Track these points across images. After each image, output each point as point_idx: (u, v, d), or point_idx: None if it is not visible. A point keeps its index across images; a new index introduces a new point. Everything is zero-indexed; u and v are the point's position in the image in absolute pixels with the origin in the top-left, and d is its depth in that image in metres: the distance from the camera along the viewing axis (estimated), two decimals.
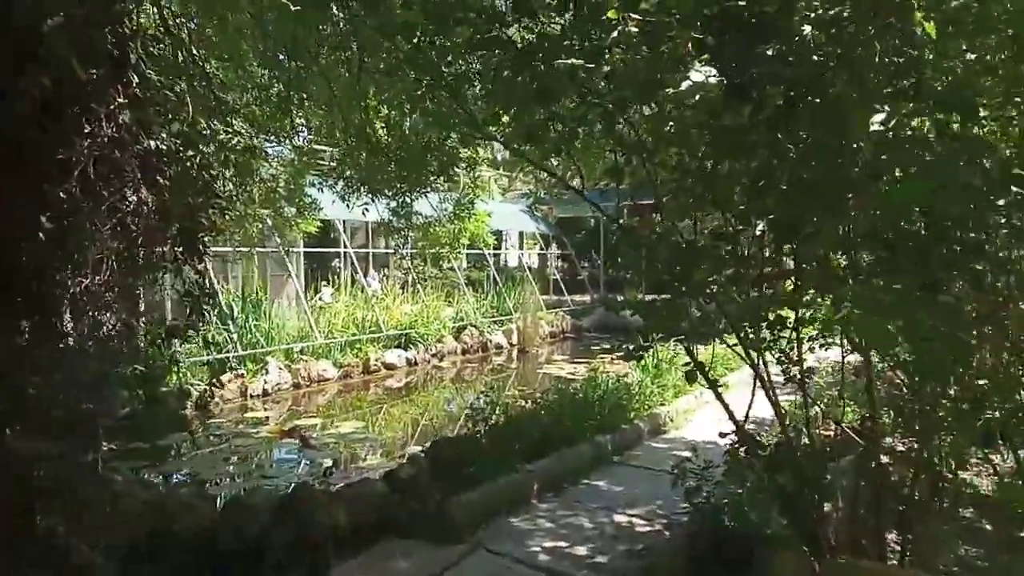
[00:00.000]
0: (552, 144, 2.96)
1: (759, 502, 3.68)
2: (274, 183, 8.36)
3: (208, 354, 9.64)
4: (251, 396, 9.67)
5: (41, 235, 2.84)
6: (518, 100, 2.78)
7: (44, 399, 3.01)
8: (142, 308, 4.27)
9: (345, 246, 13.15)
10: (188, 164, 3.74)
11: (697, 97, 2.29)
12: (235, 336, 9.95)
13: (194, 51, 5.00)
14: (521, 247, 24.73)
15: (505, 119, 3.14)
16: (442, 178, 6.05)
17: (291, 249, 12.35)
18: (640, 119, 3.05)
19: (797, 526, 3.21)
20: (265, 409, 9.51)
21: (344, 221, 14.48)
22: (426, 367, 12.76)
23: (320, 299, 12.03)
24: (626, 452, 6.52)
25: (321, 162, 8.02)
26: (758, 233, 2.94)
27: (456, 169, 5.96)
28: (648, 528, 4.72)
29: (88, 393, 3.19)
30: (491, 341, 14.67)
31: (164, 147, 3.38)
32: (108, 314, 3.52)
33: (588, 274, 22.11)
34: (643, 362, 9.19)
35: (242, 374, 9.67)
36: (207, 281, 4.02)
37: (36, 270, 2.97)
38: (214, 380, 9.37)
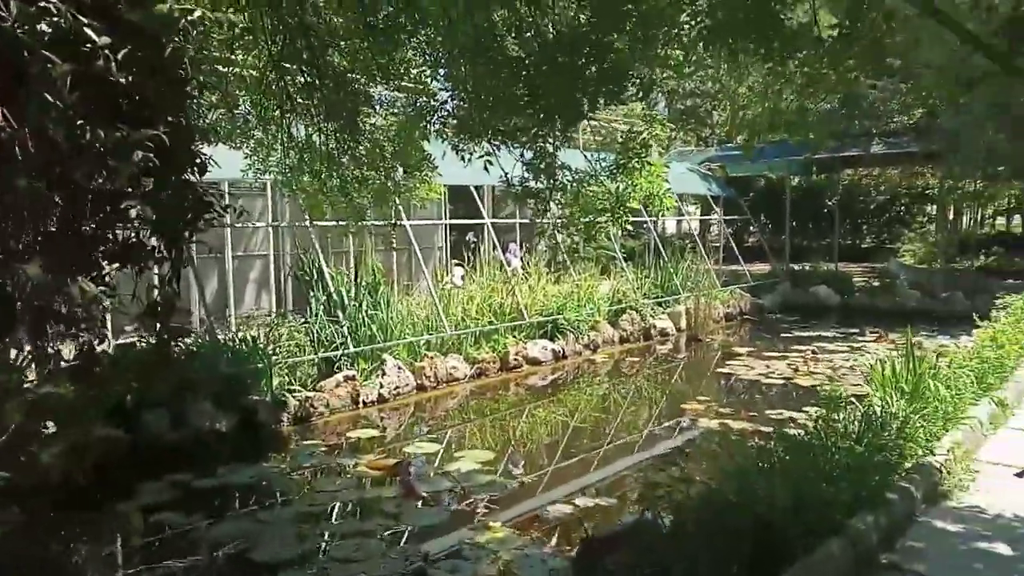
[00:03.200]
0: None
1: None
2: (383, 135, 6.39)
3: (313, 352, 7.93)
4: (364, 403, 7.88)
5: None
6: None
7: None
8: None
9: (480, 216, 11.14)
10: None
11: None
12: (346, 329, 8.17)
13: None
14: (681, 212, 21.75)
15: None
16: (603, 102, 3.77)
17: (411, 222, 10.47)
18: None
19: None
20: (380, 419, 7.69)
21: (480, 187, 12.46)
22: (577, 360, 10.54)
23: (450, 281, 10.07)
24: (899, 545, 3.99)
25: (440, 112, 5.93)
26: None
27: (625, 90, 3.64)
28: None
29: None
30: (655, 327, 12.19)
31: None
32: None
33: (762, 241, 18.94)
34: (882, 371, 6.49)
35: (353, 376, 7.89)
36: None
37: None
38: (317, 385, 7.64)
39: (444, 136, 5.27)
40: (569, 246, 5.40)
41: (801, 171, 19.05)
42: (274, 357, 7.56)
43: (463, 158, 4.93)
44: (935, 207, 29.71)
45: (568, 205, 5.27)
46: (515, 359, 9.70)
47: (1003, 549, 3.91)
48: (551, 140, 4.81)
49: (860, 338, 12.19)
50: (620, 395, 9.11)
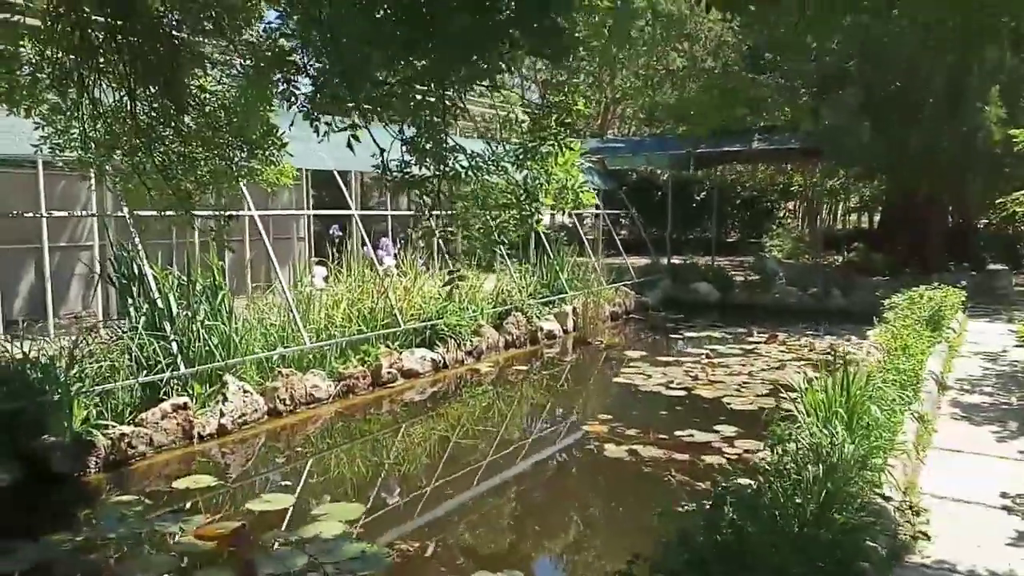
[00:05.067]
0: None
1: None
2: (217, 102, 4.96)
3: (131, 375, 6.29)
4: (200, 437, 6.35)
5: None
6: None
7: None
8: None
9: (348, 207, 9.69)
10: None
11: None
12: (175, 345, 6.57)
13: None
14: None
15: None
16: (523, 49, 2.62)
17: (261, 212, 8.99)
18: None
19: None
20: (221, 458, 6.20)
21: (346, 172, 11.02)
22: (459, 370, 9.37)
23: (311, 283, 8.61)
24: None
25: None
26: None
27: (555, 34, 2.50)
28: None
29: None
30: (541, 329, 11.22)
31: None
32: None
33: (642, 235, 18.47)
34: (814, 393, 5.73)
35: (184, 404, 6.33)
36: None
37: None
38: (138, 417, 6.05)
39: (295, 103, 3.93)
40: (466, 249, 4.22)
41: (680, 165, 18.78)
42: (78, 384, 5.90)
43: (317, 131, 3.61)
44: (799, 203, 30.89)
45: (462, 199, 4.08)
46: (389, 372, 8.39)
47: None
48: (440, 111, 3.60)
49: (750, 339, 11.76)
50: (516, 420, 8.02)
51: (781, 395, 7.74)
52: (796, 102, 15.41)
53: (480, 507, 5.29)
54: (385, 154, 4.15)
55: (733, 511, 3.68)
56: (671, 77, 21.54)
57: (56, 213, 8.33)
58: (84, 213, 8.88)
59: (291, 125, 4.55)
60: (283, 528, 4.65)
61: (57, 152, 5.43)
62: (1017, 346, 9.51)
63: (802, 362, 9.85)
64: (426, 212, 4.51)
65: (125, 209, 6.50)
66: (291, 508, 5.02)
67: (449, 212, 4.63)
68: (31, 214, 7.73)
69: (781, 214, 29.16)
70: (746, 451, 6.19)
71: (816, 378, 6.40)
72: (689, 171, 20.13)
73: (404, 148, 4.16)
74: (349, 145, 3.87)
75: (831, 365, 7.87)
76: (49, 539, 4.45)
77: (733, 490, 4.05)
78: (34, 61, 4.77)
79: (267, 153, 5.02)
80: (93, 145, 5.27)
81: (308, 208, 14.28)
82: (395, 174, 4.14)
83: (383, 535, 4.61)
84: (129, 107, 4.76)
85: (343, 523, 4.72)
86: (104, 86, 4.86)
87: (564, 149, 3.62)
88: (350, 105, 3.67)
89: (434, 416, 7.77)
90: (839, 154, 15.00)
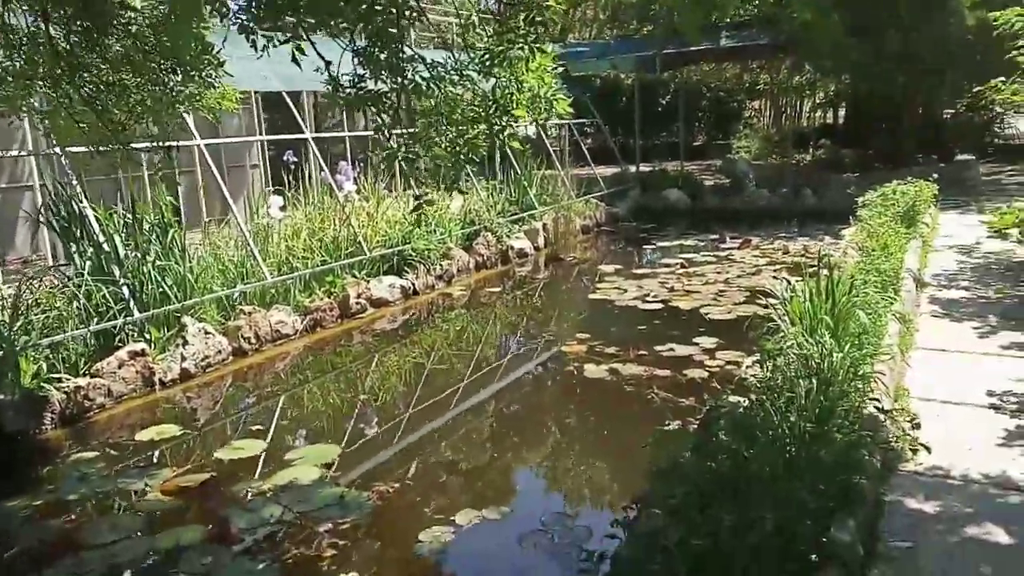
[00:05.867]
0: None
1: None
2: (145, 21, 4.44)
3: (81, 323, 5.92)
4: (162, 383, 6.07)
5: None
6: None
7: None
8: None
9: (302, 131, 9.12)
10: None
11: None
12: (125, 290, 6.18)
13: None
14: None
15: None
16: None
17: (207, 141, 8.46)
18: None
19: None
20: (186, 404, 5.94)
21: (297, 93, 10.42)
22: (430, 295, 9.11)
23: (267, 213, 8.16)
24: (882, 549, 3.03)
25: None
26: None
27: None
28: None
29: None
30: (512, 248, 10.93)
31: None
32: None
33: (610, 143, 18.00)
34: (797, 301, 5.56)
35: (142, 350, 6.01)
36: None
37: None
38: (93, 367, 5.72)
39: (227, 14, 3.47)
40: (429, 168, 3.87)
41: (645, 68, 18.15)
42: (25, 337, 5.53)
43: (254, 45, 3.18)
44: (765, 102, 30.42)
45: (425, 114, 3.71)
46: (357, 303, 8.10)
47: (1001, 536, 3.09)
48: (394, 15, 3.19)
49: (723, 245, 11.61)
50: (491, 343, 7.82)
51: (760, 302, 7.63)
52: None
53: (459, 438, 5.12)
54: (333, 67, 3.75)
55: (726, 433, 3.53)
56: None
57: None
58: (17, 153, 8.25)
59: (224, 41, 4.10)
60: (255, 476, 4.43)
61: None
62: (990, 237, 9.46)
63: (778, 266, 9.73)
64: (385, 131, 4.14)
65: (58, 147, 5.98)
66: (263, 454, 4.80)
67: (411, 130, 4.27)
68: None
69: (747, 114, 28.74)
70: (728, 363, 6.08)
71: (796, 283, 6.25)
72: (656, 73, 19.49)
73: (356, 60, 3.76)
74: (294, 59, 3.47)
75: (807, 268, 7.75)
76: (3, 505, 4.19)
77: (724, 410, 3.90)
78: None
79: (203, 75, 4.54)
80: (11, 78, 4.76)
81: (260, 134, 13.60)
82: (348, 90, 3.75)
83: (361, 477, 4.43)
84: (45, 31, 4.26)
85: (318, 467, 4.52)
86: (18, 10, 4.36)
87: (536, 53, 3.24)
88: (289, 16, 3.25)
89: (407, 344, 7.54)
90: (811, 53, 14.55)
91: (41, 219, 6.71)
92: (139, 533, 3.82)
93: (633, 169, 16.97)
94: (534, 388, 6.20)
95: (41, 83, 4.72)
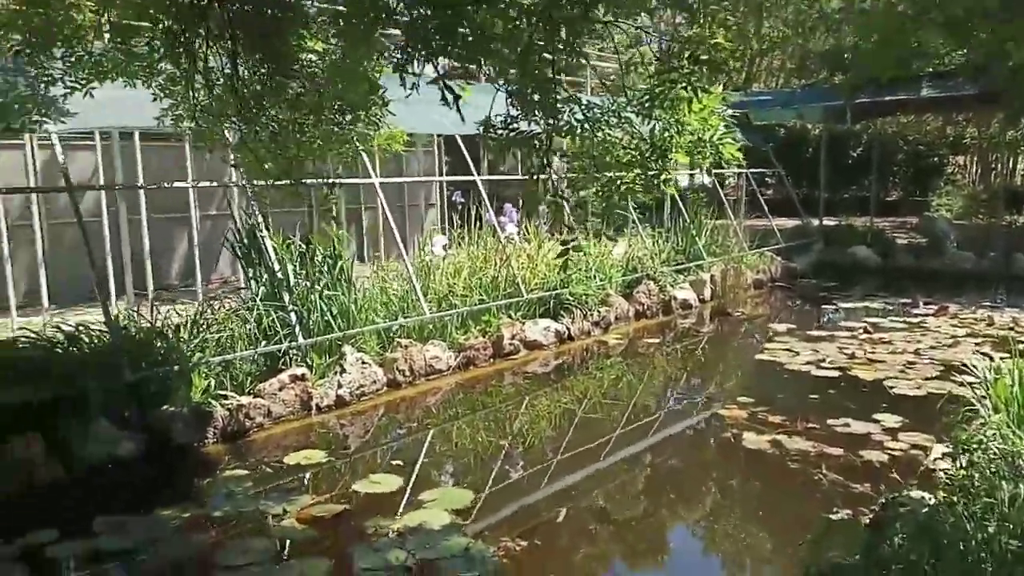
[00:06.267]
0: None
1: None
2: (319, 64, 4.68)
3: (250, 345, 6.27)
4: (318, 408, 6.26)
5: None
6: None
7: None
8: None
9: (471, 173, 9.31)
10: None
11: None
12: (293, 316, 6.48)
13: None
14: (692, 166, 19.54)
15: None
16: None
17: (381, 180, 8.80)
18: None
19: None
20: (338, 430, 6.08)
21: (472, 136, 10.67)
22: (584, 341, 8.88)
23: (431, 251, 8.34)
24: None
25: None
26: None
27: None
28: None
29: None
30: (675, 298, 10.48)
31: None
32: None
33: (791, 194, 17.01)
34: (1003, 383, 4.80)
35: (302, 374, 6.25)
36: None
37: None
38: (256, 388, 6.01)
39: (386, 51, 3.52)
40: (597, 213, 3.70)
41: (835, 118, 17.07)
42: (199, 355, 5.92)
43: (403, 83, 3.17)
44: (971, 158, 27.73)
45: (578, 157, 3.55)
46: (511, 343, 8.03)
47: None
48: (550, 54, 3.07)
49: (915, 311, 10.48)
50: (644, 400, 7.47)
51: (955, 379, 6.72)
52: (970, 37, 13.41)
53: (598, 502, 4.81)
54: (487, 110, 3.70)
55: (904, 538, 3.00)
56: (824, 21, 19.65)
57: (180, 183, 8.53)
58: (210, 183, 9.04)
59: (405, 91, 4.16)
60: (387, 515, 4.37)
61: (178, 124, 5.41)
62: None
63: (979, 339, 8.60)
64: (534, 175, 4.02)
65: (234, 179, 6.44)
66: (399, 491, 4.75)
67: (567, 174, 4.12)
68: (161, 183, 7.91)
69: (950, 170, 26.28)
70: (913, 447, 5.34)
71: (1001, 361, 5.42)
72: (846, 124, 18.29)
73: (509, 101, 3.68)
74: (443, 99, 3.44)
75: (1016, 344, 6.75)
76: (159, 514, 4.41)
77: (905, 508, 3.35)
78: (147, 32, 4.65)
79: (370, 114, 4.68)
80: (207, 115, 5.18)
81: (440, 174, 14.14)
82: (499, 130, 3.67)
83: (492, 528, 4.25)
84: (232, 73, 4.56)
85: (450, 512, 4.39)
86: (214, 52, 4.69)
87: (700, 94, 2.99)
88: (444, 53, 3.22)
89: (558, 389, 7.33)
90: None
91: (226, 244, 7.23)
92: (270, 560, 3.85)
93: (816, 223, 15.89)
94: (685, 456, 5.74)
95: (233, 120, 5.08)
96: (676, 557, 4.25)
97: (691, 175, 17.06)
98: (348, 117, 4.77)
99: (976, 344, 8.33)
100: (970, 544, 2.84)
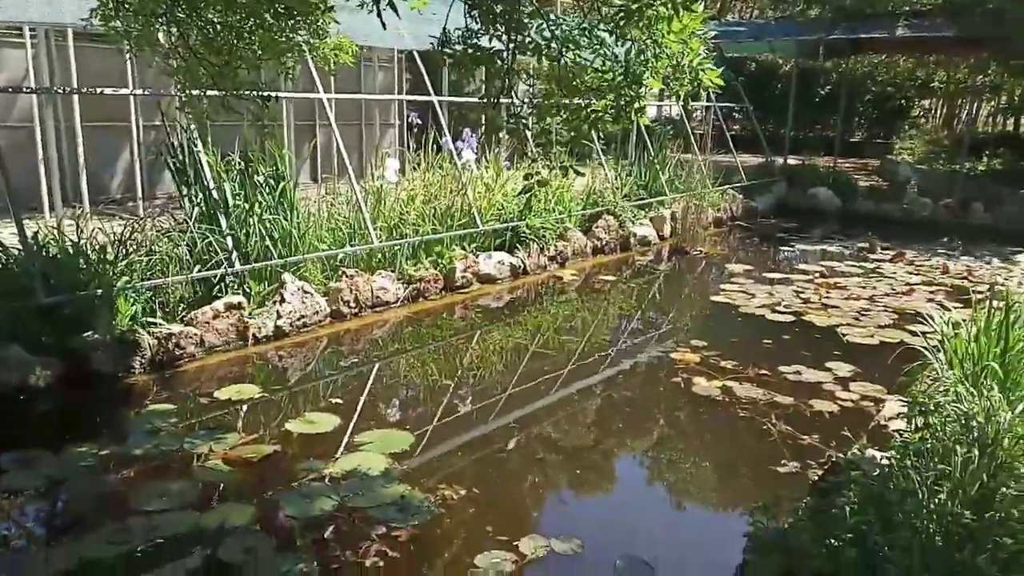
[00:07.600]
0: None
1: None
2: None
3: (183, 269, 5.88)
4: (255, 339, 5.95)
5: None
6: None
7: None
8: None
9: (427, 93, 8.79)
10: None
11: None
12: (229, 240, 6.09)
13: None
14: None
15: None
16: None
17: (329, 96, 8.29)
18: None
19: None
20: (277, 363, 5.79)
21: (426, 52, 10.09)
22: (540, 276, 8.66)
23: (382, 176, 7.92)
24: None
25: None
26: None
27: None
28: None
29: None
30: (634, 235, 10.28)
31: None
32: None
33: (756, 131, 16.75)
34: (959, 338, 4.70)
35: (239, 303, 5.91)
36: None
37: None
38: (188, 316, 5.66)
39: None
40: (564, 141, 3.38)
41: (807, 53, 16.71)
42: (126, 278, 5.52)
43: None
44: (937, 102, 27.70)
45: (544, 80, 3.21)
46: (463, 276, 7.76)
47: None
48: None
49: (872, 256, 10.45)
50: (596, 335, 7.29)
51: (910, 329, 6.68)
52: None
53: (539, 446, 4.65)
54: (443, 21, 3.32)
55: (854, 504, 2.87)
56: None
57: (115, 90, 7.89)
58: (144, 91, 8.38)
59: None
60: (320, 457, 4.15)
61: (107, 23, 4.86)
62: None
63: (934, 288, 8.59)
64: (495, 98, 3.68)
65: (172, 88, 5.90)
66: (336, 432, 4.52)
67: (532, 99, 3.77)
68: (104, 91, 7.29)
69: (915, 113, 26.23)
70: (864, 398, 5.27)
71: (956, 314, 5.34)
72: (817, 61, 17.96)
73: (469, 12, 3.32)
74: (390, 5, 3.05)
75: (970, 293, 6.69)
76: (71, 451, 4.11)
77: (854, 471, 3.22)
78: None
79: (312, 20, 4.22)
80: (136, 15, 4.65)
81: (401, 92, 13.49)
82: (456, 46, 3.31)
83: (430, 475, 4.05)
84: None
85: (387, 456, 4.18)
86: None
87: (681, 11, 2.65)
88: None
89: (509, 324, 7.12)
90: (1002, 50, 12.80)
91: (153, 154, 6.72)
92: (189, 505, 3.60)
93: (780, 161, 15.72)
94: (632, 401, 5.59)
95: (162, 21, 4.58)
96: (614, 498, 4.12)
97: (659, 106, 16.65)
98: (289, 23, 4.31)
99: (930, 293, 8.32)
100: (921, 514, 2.71)
